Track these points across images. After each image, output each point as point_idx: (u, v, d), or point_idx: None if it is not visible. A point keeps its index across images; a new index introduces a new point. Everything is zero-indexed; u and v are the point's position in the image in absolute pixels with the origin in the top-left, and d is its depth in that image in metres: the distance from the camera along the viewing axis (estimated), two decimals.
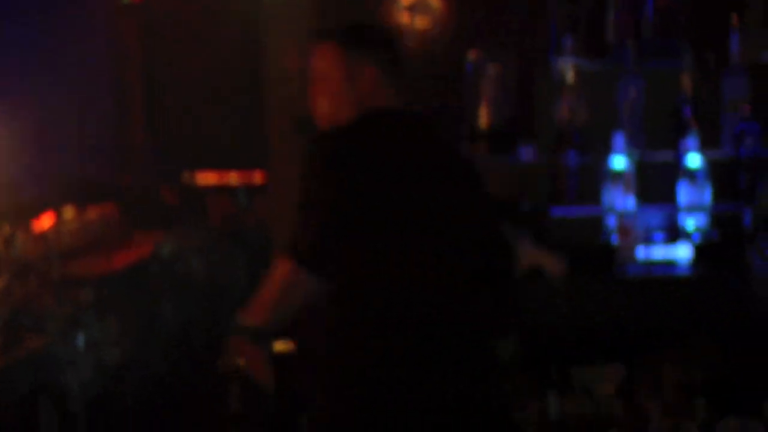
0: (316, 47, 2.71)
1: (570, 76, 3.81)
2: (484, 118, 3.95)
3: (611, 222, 3.69)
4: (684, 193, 3.70)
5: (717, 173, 3.72)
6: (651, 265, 3.65)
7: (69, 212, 4.46)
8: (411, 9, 4.42)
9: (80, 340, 3.81)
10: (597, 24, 3.95)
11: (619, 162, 3.70)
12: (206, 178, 6.00)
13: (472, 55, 3.98)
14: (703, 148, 3.71)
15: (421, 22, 4.43)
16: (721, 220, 3.71)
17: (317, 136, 2.66)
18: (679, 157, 3.71)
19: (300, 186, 2.56)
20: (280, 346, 2.31)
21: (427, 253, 2.58)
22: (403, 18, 4.45)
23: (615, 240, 3.66)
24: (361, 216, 2.53)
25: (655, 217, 3.73)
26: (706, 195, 3.70)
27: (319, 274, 2.57)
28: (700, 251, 3.65)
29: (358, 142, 2.60)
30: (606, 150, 3.71)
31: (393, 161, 2.59)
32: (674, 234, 3.71)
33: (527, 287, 3.53)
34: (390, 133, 2.65)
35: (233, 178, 6.00)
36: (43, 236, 4.12)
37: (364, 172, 2.54)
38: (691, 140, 3.70)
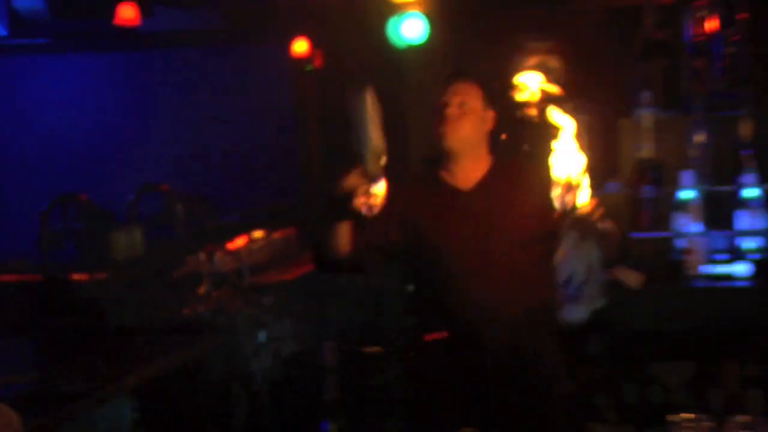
0: (463, 85, 3.15)
1: (648, 123, 4.57)
2: None
3: (681, 244, 4.43)
4: (742, 221, 4.41)
5: None
6: (713, 279, 4.36)
7: (258, 234, 5.31)
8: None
9: (262, 335, 4.64)
10: (670, 81, 4.68)
11: (687, 194, 4.45)
12: None
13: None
14: (761, 183, 4.41)
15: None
16: None
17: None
18: (738, 190, 4.43)
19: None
20: None
21: None
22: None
23: (683, 258, 4.38)
24: None
25: (717, 240, 4.43)
26: (762, 221, 4.40)
27: None
28: (757, 267, 4.34)
29: None
30: (677, 184, 4.46)
31: None
32: (734, 254, 4.40)
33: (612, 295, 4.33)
34: None
35: None
36: (236, 253, 5.00)
37: None
38: (750, 176, 4.42)
